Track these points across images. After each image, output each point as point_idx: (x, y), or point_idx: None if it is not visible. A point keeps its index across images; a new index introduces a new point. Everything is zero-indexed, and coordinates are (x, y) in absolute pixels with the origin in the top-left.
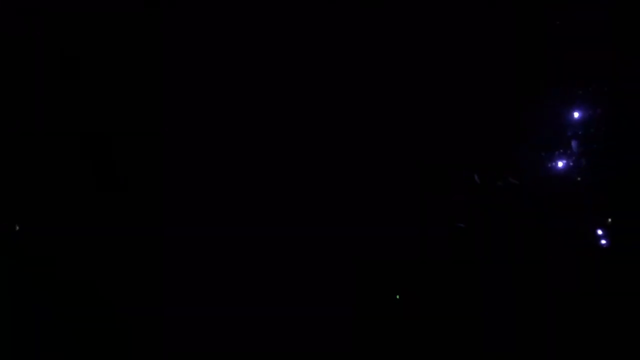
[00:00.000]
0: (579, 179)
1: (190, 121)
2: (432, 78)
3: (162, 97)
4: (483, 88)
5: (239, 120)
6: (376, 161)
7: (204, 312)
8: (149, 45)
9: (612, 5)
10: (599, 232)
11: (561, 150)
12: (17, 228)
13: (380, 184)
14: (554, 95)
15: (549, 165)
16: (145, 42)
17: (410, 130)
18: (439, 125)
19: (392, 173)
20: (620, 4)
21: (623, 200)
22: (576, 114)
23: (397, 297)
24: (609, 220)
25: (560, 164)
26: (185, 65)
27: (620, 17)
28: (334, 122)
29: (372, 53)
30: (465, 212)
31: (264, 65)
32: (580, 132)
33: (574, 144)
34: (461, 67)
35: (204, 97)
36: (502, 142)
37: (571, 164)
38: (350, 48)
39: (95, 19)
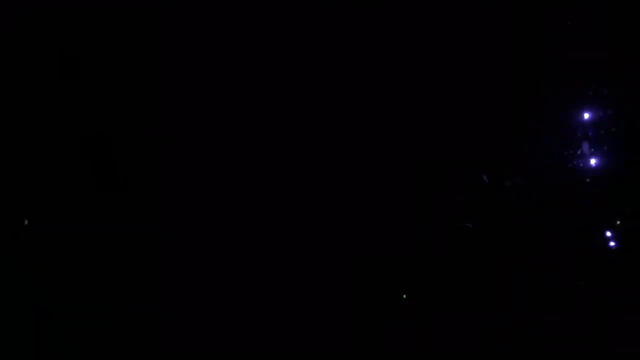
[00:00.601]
0: (587, 179)
1: (190, 121)
2: (432, 78)
3: (162, 98)
4: (483, 88)
5: (239, 121)
6: (376, 161)
7: (204, 312)
8: (149, 45)
9: (612, 5)
10: (608, 233)
11: (570, 152)
12: (26, 222)
13: (381, 184)
14: (557, 95)
15: (555, 165)
16: (145, 42)
17: (410, 131)
18: (439, 125)
19: (393, 173)
20: (620, 4)
21: (632, 201)
22: (586, 115)
23: (404, 296)
24: (617, 222)
25: (569, 165)
26: (185, 65)
27: (620, 17)
28: (334, 123)
29: (373, 54)
30: (465, 212)
31: (264, 66)
32: (590, 134)
33: (584, 145)
34: (461, 67)
35: (204, 98)
36: (503, 142)
37: (581, 164)
38: (351, 49)
39: (95, 19)
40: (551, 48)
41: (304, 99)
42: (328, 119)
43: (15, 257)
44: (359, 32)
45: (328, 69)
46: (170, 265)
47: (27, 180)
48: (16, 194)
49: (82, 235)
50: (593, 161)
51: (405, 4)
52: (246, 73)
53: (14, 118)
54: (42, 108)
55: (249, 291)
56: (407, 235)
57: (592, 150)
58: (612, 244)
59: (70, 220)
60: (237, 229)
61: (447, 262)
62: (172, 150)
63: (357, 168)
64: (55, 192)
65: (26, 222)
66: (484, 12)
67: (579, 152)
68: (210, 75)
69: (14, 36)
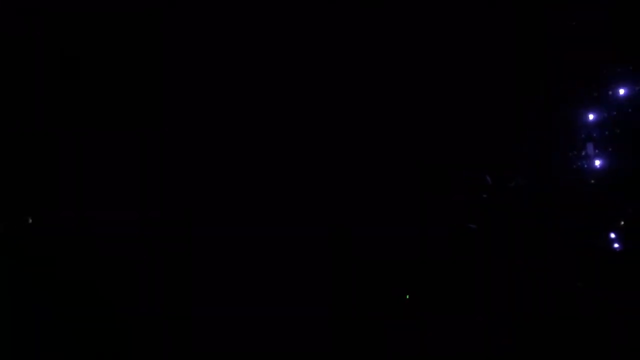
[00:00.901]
0: (592, 181)
1: (191, 121)
2: (432, 78)
3: (162, 98)
4: (483, 88)
5: (240, 121)
6: (376, 161)
7: (203, 312)
8: (149, 45)
9: (612, 5)
10: (612, 235)
11: (575, 152)
12: (30, 221)
13: (381, 184)
14: (557, 95)
15: (557, 166)
16: (145, 42)
17: (410, 131)
18: (439, 125)
19: (393, 173)
20: (620, 4)
21: (634, 201)
22: (591, 116)
23: (407, 297)
24: (621, 223)
25: (572, 166)
26: (185, 65)
27: (620, 17)
28: (334, 122)
29: (373, 53)
30: (466, 212)
31: (265, 65)
32: (594, 135)
33: (589, 146)
34: (461, 67)
35: (204, 98)
36: (503, 142)
37: (585, 165)
38: (351, 48)
39: (95, 19)
40: (551, 48)
41: (304, 99)
42: (328, 118)
43: (15, 257)
44: (359, 32)
45: (328, 69)
46: (170, 265)
47: (27, 180)
48: (16, 194)
49: (82, 235)
50: (597, 162)
51: (405, 4)
52: (247, 73)
53: (14, 118)
54: (42, 108)
55: (248, 291)
56: (407, 235)
57: (597, 151)
58: (615, 245)
59: (71, 220)
60: (239, 229)
61: (447, 262)
62: (172, 150)
63: (357, 168)
64: (55, 192)
65: (30, 220)
66: (484, 12)
67: (583, 153)
68: (211, 75)
69: (14, 36)
